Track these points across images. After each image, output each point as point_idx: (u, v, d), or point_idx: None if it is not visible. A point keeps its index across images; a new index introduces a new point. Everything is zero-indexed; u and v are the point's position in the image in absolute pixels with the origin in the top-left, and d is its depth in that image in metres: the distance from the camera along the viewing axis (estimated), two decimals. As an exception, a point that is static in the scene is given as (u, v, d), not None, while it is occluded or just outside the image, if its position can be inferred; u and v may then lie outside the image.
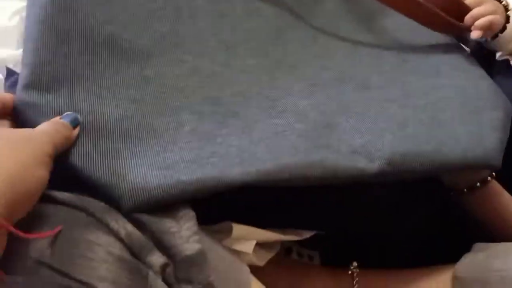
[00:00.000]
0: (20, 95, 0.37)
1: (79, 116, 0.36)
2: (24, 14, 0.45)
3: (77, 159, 0.35)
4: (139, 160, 0.36)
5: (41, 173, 0.29)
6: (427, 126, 0.45)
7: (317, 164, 0.39)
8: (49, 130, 0.33)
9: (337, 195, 0.46)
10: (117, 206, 0.34)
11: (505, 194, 0.48)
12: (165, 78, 0.43)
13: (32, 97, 0.37)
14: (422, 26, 0.55)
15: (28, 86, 0.37)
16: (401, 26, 0.57)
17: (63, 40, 0.40)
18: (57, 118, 0.35)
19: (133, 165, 0.36)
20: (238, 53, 0.48)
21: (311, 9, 0.56)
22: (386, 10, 0.56)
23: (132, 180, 0.34)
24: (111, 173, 0.35)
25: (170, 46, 0.45)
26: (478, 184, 0.48)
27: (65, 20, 0.41)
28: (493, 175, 0.48)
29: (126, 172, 0.35)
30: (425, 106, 0.47)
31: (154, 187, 0.34)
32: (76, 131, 0.35)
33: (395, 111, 0.46)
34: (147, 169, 0.35)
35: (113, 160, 0.35)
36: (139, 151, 0.37)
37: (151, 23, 0.46)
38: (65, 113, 0.36)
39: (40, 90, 0.37)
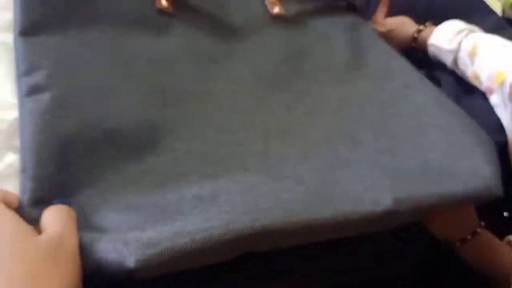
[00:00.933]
0: (31, 210, 0.36)
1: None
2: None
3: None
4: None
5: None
6: (421, 168, 0.46)
7: (326, 207, 0.39)
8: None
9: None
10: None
11: (496, 241, 0.48)
12: (160, 168, 0.43)
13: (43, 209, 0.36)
14: (397, 69, 0.58)
15: (38, 201, 0.37)
16: (377, 72, 0.58)
17: (66, 146, 0.40)
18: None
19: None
20: (227, 129, 0.47)
21: (292, 69, 0.54)
22: (361, 60, 0.57)
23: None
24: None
25: (161, 134, 0.45)
26: (469, 237, 0.47)
27: (66, 125, 0.41)
28: (482, 225, 0.48)
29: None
30: (414, 150, 0.48)
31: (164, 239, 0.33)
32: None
33: (388, 160, 0.47)
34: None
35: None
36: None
37: (141, 112, 0.46)
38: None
39: (49, 203, 0.36)
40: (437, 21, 0.65)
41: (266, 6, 0.60)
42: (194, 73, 0.51)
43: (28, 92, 0.42)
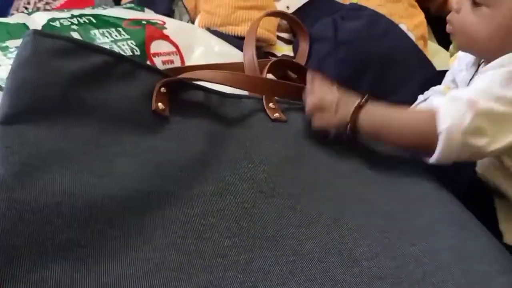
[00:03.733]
0: None
1: None
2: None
3: None
4: None
5: None
6: None
7: None
8: None
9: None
10: None
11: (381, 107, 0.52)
12: (125, 284, 0.38)
13: None
14: (408, 177, 0.54)
15: None
16: (384, 178, 0.54)
17: (12, 257, 0.36)
18: None
19: None
20: (209, 237, 0.44)
21: (288, 174, 0.52)
22: (364, 166, 0.55)
23: None
24: None
25: (135, 242, 0.41)
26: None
27: (17, 235, 0.37)
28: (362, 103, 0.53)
29: None
30: (423, 279, 0.42)
31: None
32: None
33: None
34: None
35: None
36: None
37: (115, 215, 0.42)
38: None
39: None
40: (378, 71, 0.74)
41: (265, 112, 0.59)
42: (182, 177, 0.48)
43: None
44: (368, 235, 0.47)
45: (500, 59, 0.51)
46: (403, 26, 0.84)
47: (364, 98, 0.54)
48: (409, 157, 0.57)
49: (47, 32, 0.53)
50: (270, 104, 0.60)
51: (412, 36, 0.83)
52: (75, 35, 0.62)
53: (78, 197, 0.41)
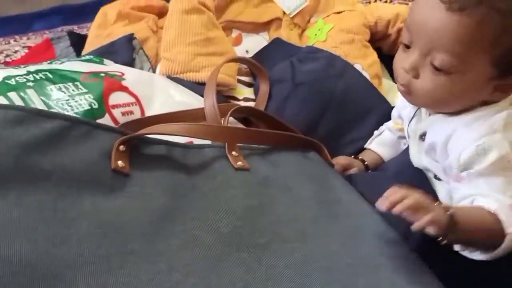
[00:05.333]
0: None
1: None
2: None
3: None
4: None
5: None
6: None
7: None
8: None
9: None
10: None
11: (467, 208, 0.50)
12: None
13: None
14: (368, 228, 0.55)
15: None
16: (345, 230, 0.55)
17: None
18: None
19: None
20: None
21: (253, 225, 0.52)
22: (328, 214, 0.56)
23: None
24: None
25: None
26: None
27: None
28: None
29: None
30: None
31: None
32: None
33: None
34: None
35: None
36: None
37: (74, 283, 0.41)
38: None
39: None
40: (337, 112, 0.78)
41: (228, 161, 0.59)
42: (146, 234, 0.47)
43: None
44: (332, 283, 0.47)
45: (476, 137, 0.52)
46: (358, 66, 0.88)
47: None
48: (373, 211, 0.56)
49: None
50: (233, 152, 0.60)
51: (366, 75, 0.86)
52: (31, 92, 0.61)
53: (35, 267, 0.40)
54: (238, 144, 0.62)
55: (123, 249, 0.45)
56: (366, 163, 0.73)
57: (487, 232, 0.48)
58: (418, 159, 0.62)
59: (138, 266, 0.45)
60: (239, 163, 0.59)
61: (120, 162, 0.52)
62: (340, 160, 0.72)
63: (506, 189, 0.51)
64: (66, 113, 0.60)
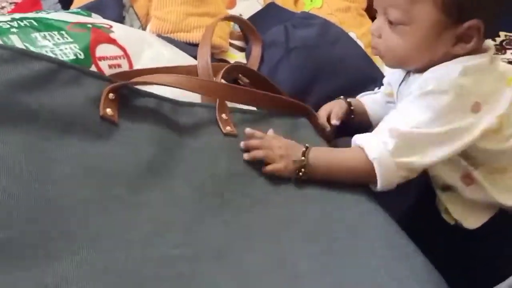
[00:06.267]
0: None
1: None
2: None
3: None
4: None
5: None
6: None
7: None
8: None
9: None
10: None
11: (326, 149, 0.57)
12: (67, 286, 0.37)
13: None
14: (352, 197, 0.55)
15: None
16: (330, 198, 0.55)
17: None
18: None
19: None
20: (156, 244, 0.44)
21: (238, 188, 0.53)
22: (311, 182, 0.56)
23: None
24: None
25: (79, 245, 0.40)
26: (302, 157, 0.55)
27: None
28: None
29: None
30: None
31: None
32: None
33: None
34: None
35: None
36: None
37: (54, 223, 0.41)
38: None
39: None
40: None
41: (217, 124, 0.58)
42: (129, 183, 0.47)
43: None
44: (314, 254, 0.47)
45: (422, 82, 0.54)
46: (352, 34, 0.86)
47: (306, 145, 0.56)
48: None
49: None
50: (223, 115, 0.59)
51: (361, 43, 0.85)
52: (14, 38, 0.59)
53: (18, 198, 0.40)
54: (228, 106, 0.61)
55: (107, 193, 0.45)
56: (352, 108, 0.71)
57: (346, 167, 0.55)
58: None
59: (120, 212, 0.44)
60: (228, 128, 0.58)
61: (109, 110, 0.51)
62: (321, 112, 0.71)
63: (402, 118, 0.53)
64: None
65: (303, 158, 0.55)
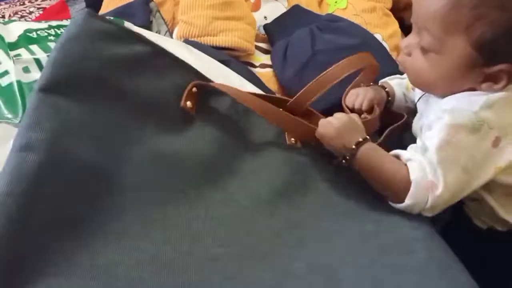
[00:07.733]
0: None
1: None
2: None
3: None
4: None
5: None
6: None
7: None
8: None
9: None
10: None
11: (381, 151, 0.53)
12: (116, 268, 0.40)
13: None
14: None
15: None
16: (381, 217, 0.52)
17: (25, 223, 0.38)
18: None
19: None
20: (204, 241, 0.45)
21: (291, 200, 0.53)
22: (369, 203, 0.54)
23: None
24: None
25: (131, 232, 0.43)
26: (353, 146, 0.52)
27: (37, 205, 0.40)
28: (367, 137, 0.53)
29: None
30: None
31: None
32: None
33: None
34: None
35: None
36: None
37: (122, 206, 0.44)
38: None
39: None
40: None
41: (283, 135, 0.59)
42: (190, 177, 0.50)
43: (18, 148, 0.42)
44: (354, 259, 0.47)
45: (448, 106, 0.52)
46: (378, 36, 0.86)
47: (366, 136, 0.54)
48: None
49: (99, 15, 0.57)
50: None
51: (386, 46, 0.85)
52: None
53: (98, 168, 0.44)
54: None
55: (166, 184, 0.48)
56: (387, 89, 0.67)
57: (385, 176, 0.51)
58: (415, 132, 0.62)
59: (176, 208, 0.47)
60: (292, 139, 0.59)
61: (189, 103, 0.54)
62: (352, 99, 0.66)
63: (430, 151, 0.50)
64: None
65: (353, 147, 0.52)
